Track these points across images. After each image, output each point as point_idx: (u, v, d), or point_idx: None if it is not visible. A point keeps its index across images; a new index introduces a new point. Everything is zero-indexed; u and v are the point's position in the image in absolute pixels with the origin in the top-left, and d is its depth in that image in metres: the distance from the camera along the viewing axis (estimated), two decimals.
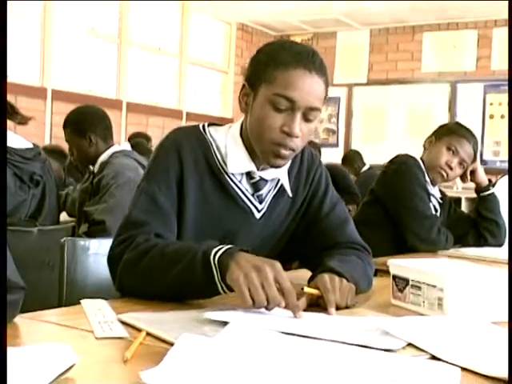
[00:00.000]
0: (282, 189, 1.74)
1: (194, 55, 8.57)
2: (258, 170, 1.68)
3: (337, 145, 9.26)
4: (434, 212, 2.88)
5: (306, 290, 1.45)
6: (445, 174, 2.85)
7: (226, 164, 1.66)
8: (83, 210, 3.13)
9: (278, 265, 1.34)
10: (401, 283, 1.53)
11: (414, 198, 2.79)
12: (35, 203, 2.93)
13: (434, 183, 2.91)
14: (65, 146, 3.77)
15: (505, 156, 7.95)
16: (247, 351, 1.03)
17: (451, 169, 2.84)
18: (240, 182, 1.68)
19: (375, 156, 7.46)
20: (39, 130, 6.55)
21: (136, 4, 7.79)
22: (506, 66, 8.14)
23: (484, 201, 2.97)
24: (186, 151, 1.64)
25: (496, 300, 1.39)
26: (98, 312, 1.34)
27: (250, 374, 0.93)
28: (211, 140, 1.68)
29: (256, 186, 1.69)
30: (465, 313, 1.37)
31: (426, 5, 7.77)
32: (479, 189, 2.99)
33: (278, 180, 1.73)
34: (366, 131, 9.03)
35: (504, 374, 0.98)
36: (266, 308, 1.31)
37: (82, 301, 1.45)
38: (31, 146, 2.99)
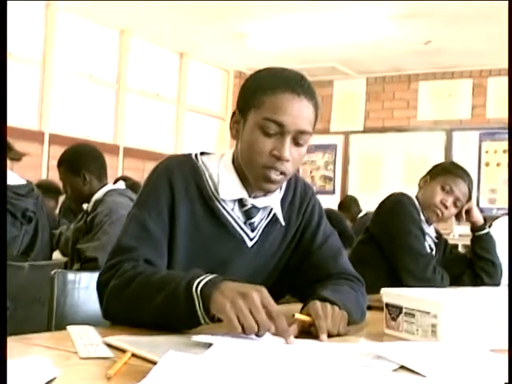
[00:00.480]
0: (274, 218, 1.72)
1: (192, 102, 8.64)
2: (250, 197, 1.66)
3: (333, 192, 9.27)
4: (429, 251, 2.85)
5: (297, 316, 1.42)
6: (440, 213, 2.83)
7: (217, 191, 1.64)
8: (76, 248, 3.11)
9: (264, 290, 1.32)
10: (394, 311, 1.50)
11: (408, 236, 2.76)
12: (27, 239, 2.91)
13: (429, 222, 2.89)
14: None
15: (501, 203, 7.94)
16: (234, 366, 1.00)
17: (446, 208, 2.83)
18: (232, 209, 1.66)
19: (372, 203, 7.38)
20: (36, 174, 6.54)
21: (134, 50, 7.88)
22: (500, 115, 8.22)
23: (480, 240, 2.94)
24: (177, 178, 1.62)
25: (491, 327, 1.37)
26: (84, 336, 1.31)
27: None
28: (203, 168, 1.67)
29: (248, 214, 1.67)
30: (459, 340, 1.34)
31: (421, 53, 7.88)
32: (474, 228, 2.96)
33: (271, 209, 1.71)
34: (363, 178, 9.06)
35: None
36: (257, 334, 1.28)
37: (68, 326, 1.42)
38: (24, 182, 2.98)
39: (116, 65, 7.74)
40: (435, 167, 2.97)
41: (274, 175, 1.57)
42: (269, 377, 0.96)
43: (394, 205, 2.84)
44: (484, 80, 8.44)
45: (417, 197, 2.91)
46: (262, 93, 1.55)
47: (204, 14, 6.98)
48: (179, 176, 1.63)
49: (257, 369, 1.01)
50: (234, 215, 1.66)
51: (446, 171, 2.89)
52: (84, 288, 2.17)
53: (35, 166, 6.68)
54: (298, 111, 1.54)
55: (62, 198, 5.58)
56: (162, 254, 1.59)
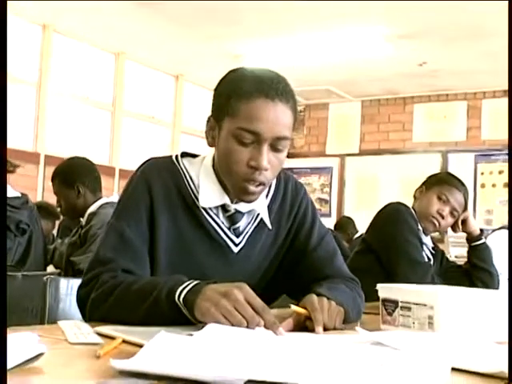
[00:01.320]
0: (261, 222, 1.67)
1: (187, 124, 8.65)
2: (232, 202, 1.61)
3: (329, 215, 9.25)
4: (427, 260, 2.83)
5: (293, 308, 1.39)
6: (437, 223, 2.82)
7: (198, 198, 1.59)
8: (70, 261, 3.09)
9: (246, 285, 1.29)
10: (390, 306, 1.48)
11: (406, 244, 2.74)
12: (21, 251, 2.89)
13: (426, 233, 2.88)
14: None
15: (497, 224, 7.92)
16: (226, 344, 0.98)
17: (443, 217, 2.82)
18: (216, 215, 1.61)
19: (368, 224, 7.43)
20: (31, 195, 6.43)
21: (130, 73, 7.91)
22: (495, 136, 8.25)
23: (476, 250, 2.92)
24: (156, 184, 1.57)
25: (488, 318, 1.35)
26: (75, 327, 1.29)
27: (231, 359, 0.88)
28: (184, 171, 1.62)
29: (232, 219, 1.62)
30: (455, 331, 1.32)
31: (416, 75, 7.92)
32: (471, 239, 2.95)
33: (258, 213, 1.66)
34: (359, 201, 9.05)
35: (496, 370, 0.93)
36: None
37: (59, 321, 1.40)
38: (19, 195, 2.96)
39: (112, 87, 7.75)
40: (430, 177, 2.97)
41: (253, 187, 1.51)
42: (261, 352, 0.94)
43: (391, 213, 2.83)
44: (478, 102, 8.47)
45: (413, 207, 2.91)
46: (235, 100, 1.48)
47: (199, 37, 7.02)
48: (159, 182, 1.58)
49: (249, 346, 0.99)
50: (219, 221, 1.61)
51: (441, 181, 2.88)
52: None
53: (31, 187, 6.65)
54: (273, 117, 1.46)
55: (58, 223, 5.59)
56: (143, 263, 1.54)
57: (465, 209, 2.89)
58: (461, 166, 8.43)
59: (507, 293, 1.36)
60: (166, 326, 1.29)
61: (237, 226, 1.63)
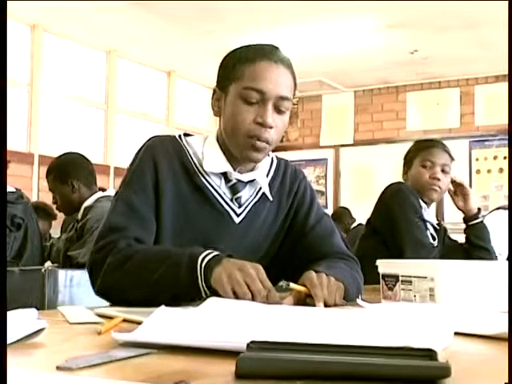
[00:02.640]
0: (263, 196, 1.72)
1: (181, 120, 8.63)
2: (234, 170, 1.67)
3: (326, 206, 9.24)
4: (431, 240, 2.82)
5: (292, 286, 1.39)
6: (437, 187, 2.80)
7: (202, 167, 1.65)
8: (67, 255, 3.08)
9: (260, 267, 1.36)
10: (390, 281, 1.48)
11: (409, 225, 2.74)
12: (17, 246, 2.88)
13: (429, 205, 2.86)
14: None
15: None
16: (227, 313, 0.97)
17: (439, 179, 2.80)
18: (218, 185, 1.66)
19: (365, 214, 7.39)
20: (26, 195, 6.51)
21: (122, 71, 7.89)
22: (489, 122, 8.25)
23: (474, 229, 2.91)
24: (160, 155, 1.63)
25: (489, 290, 1.34)
26: (74, 309, 1.28)
27: (232, 327, 0.87)
28: (187, 146, 1.69)
29: (234, 190, 1.67)
30: (457, 302, 1.31)
31: (408, 63, 7.92)
32: (468, 218, 2.94)
33: (260, 188, 1.71)
34: (355, 191, 9.04)
35: (497, 332, 0.93)
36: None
37: (59, 307, 1.39)
38: (13, 189, 2.95)
39: (104, 85, 7.73)
40: (405, 157, 2.95)
41: (259, 142, 1.58)
42: (261, 320, 0.94)
43: (394, 194, 2.82)
44: (471, 88, 8.47)
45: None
46: (240, 65, 1.59)
47: (190, 33, 7.01)
48: (162, 153, 1.64)
49: (249, 315, 0.98)
50: (220, 191, 1.66)
51: (416, 151, 2.88)
52: (76, 285, 2.14)
53: (25, 188, 6.56)
54: (276, 77, 1.57)
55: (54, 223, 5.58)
56: (150, 231, 1.59)
57: (452, 159, 2.87)
58: (455, 153, 8.27)
59: (507, 276, 1.35)
60: (174, 300, 1.33)
61: (238, 195, 1.67)
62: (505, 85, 8.13)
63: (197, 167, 1.65)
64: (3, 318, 0.81)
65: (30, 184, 6.74)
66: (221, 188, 1.66)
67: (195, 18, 6.58)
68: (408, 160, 2.91)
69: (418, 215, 2.77)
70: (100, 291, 1.53)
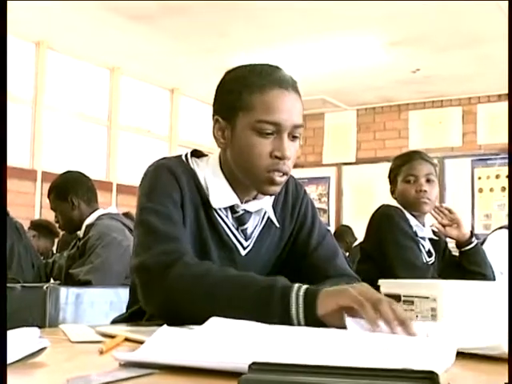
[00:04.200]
0: (268, 222, 1.67)
1: (184, 137, 8.66)
2: (241, 202, 1.61)
3: (328, 224, 9.24)
4: (427, 259, 2.80)
5: None
6: (425, 200, 2.77)
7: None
8: (69, 273, 3.08)
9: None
10: None
11: (400, 249, 2.69)
12: None
13: (422, 221, 2.82)
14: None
15: None
16: (229, 333, 0.97)
17: (425, 191, 2.77)
18: (226, 216, 1.60)
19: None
20: (29, 212, 6.52)
21: (125, 88, 7.92)
22: (491, 140, 8.27)
23: (468, 255, 2.83)
24: (182, 180, 1.54)
25: (491, 310, 1.34)
26: (76, 328, 1.28)
27: (234, 347, 0.87)
28: (197, 170, 1.61)
29: (240, 220, 1.61)
30: (459, 322, 1.31)
31: (410, 82, 7.95)
32: (461, 244, 2.85)
33: (264, 214, 1.66)
34: (357, 209, 9.04)
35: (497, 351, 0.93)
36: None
37: (60, 325, 1.39)
38: None
39: (107, 102, 7.77)
40: (389, 175, 2.93)
41: (278, 177, 1.51)
42: (265, 341, 0.93)
43: (382, 219, 2.79)
44: (473, 107, 8.49)
45: (401, 204, 2.85)
46: (248, 94, 1.49)
47: (193, 50, 7.04)
48: (184, 178, 1.55)
49: (252, 336, 0.98)
50: (228, 222, 1.60)
51: (397, 168, 2.84)
52: (77, 303, 2.13)
53: (28, 204, 6.66)
54: (290, 106, 1.49)
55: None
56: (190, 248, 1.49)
57: (434, 166, 2.84)
58: (458, 172, 8.44)
59: (507, 293, 1.35)
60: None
61: (245, 227, 1.62)
62: (507, 104, 8.15)
63: (206, 195, 1.57)
64: (3, 336, 0.81)
65: (33, 200, 6.75)
66: (228, 219, 1.60)
67: (198, 36, 6.61)
68: (392, 179, 2.89)
69: (408, 237, 2.73)
70: (160, 305, 1.38)
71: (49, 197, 3.40)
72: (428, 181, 2.79)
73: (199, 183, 1.59)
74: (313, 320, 1.23)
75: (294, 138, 1.53)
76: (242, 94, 1.50)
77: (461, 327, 1.22)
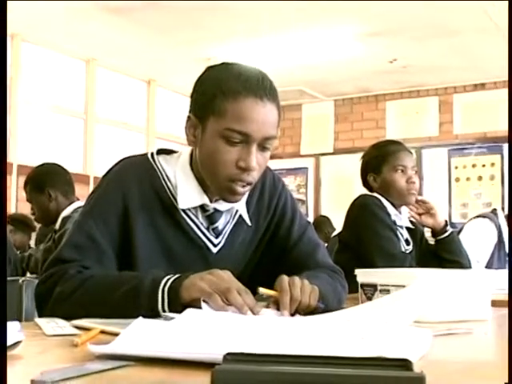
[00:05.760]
0: (240, 219, 1.64)
1: (161, 129, 8.62)
2: (211, 202, 1.58)
3: (306, 215, 9.26)
4: (405, 247, 2.80)
5: (262, 290, 1.38)
6: (414, 191, 2.78)
7: (176, 198, 1.55)
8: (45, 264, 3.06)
9: (226, 271, 1.34)
10: (369, 291, 1.48)
11: (378, 239, 2.69)
12: None
13: (399, 210, 2.83)
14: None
15: None
16: (204, 324, 0.97)
17: (414, 183, 2.78)
18: (195, 215, 1.57)
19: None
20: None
21: (101, 80, 7.87)
22: (467, 130, 8.32)
23: (443, 243, 2.85)
24: (131, 185, 1.52)
25: (466, 298, 1.35)
26: (51, 321, 1.27)
27: (209, 338, 0.87)
28: (161, 170, 1.58)
29: (211, 219, 1.59)
30: (435, 311, 1.32)
31: (387, 72, 7.97)
32: (437, 232, 2.86)
33: (236, 211, 1.63)
34: (335, 199, 9.07)
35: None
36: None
37: (35, 319, 1.38)
38: None
39: (83, 94, 7.71)
40: (368, 162, 2.89)
41: (240, 187, 1.48)
42: (240, 331, 0.93)
43: (359, 209, 2.79)
44: (450, 97, 8.54)
45: (378, 193, 2.84)
46: (222, 99, 1.43)
47: (170, 41, 7.00)
48: (134, 183, 1.53)
49: (227, 327, 0.98)
50: (197, 221, 1.57)
51: (383, 156, 2.81)
52: None
53: None
54: (263, 117, 1.43)
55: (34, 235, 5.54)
56: (108, 265, 1.49)
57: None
58: (435, 161, 8.50)
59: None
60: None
61: (215, 225, 1.59)
62: (482, 93, 8.22)
63: (171, 198, 1.55)
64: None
65: (9, 194, 6.69)
66: (198, 218, 1.57)
67: (175, 27, 6.58)
68: (375, 166, 2.85)
69: (387, 226, 2.74)
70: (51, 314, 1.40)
71: (25, 188, 3.37)
72: (416, 172, 2.80)
73: (166, 182, 1.56)
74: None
75: (264, 148, 1.49)
76: (216, 98, 1.45)
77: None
